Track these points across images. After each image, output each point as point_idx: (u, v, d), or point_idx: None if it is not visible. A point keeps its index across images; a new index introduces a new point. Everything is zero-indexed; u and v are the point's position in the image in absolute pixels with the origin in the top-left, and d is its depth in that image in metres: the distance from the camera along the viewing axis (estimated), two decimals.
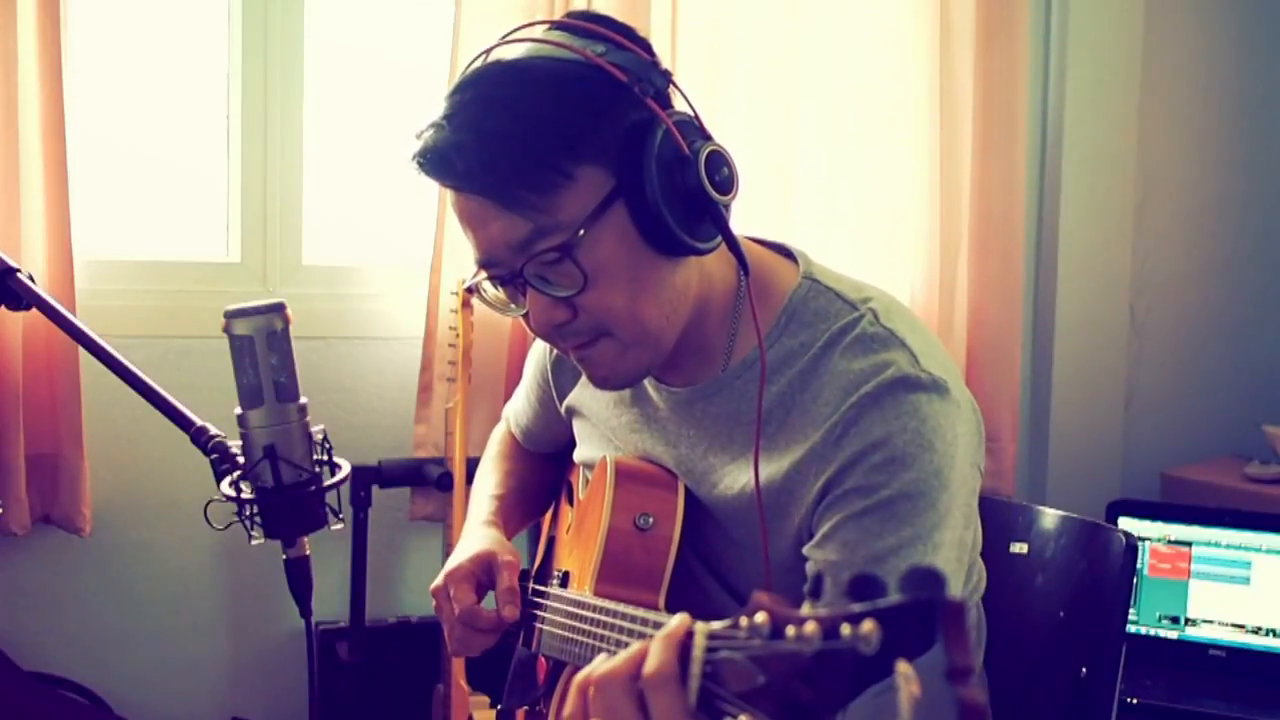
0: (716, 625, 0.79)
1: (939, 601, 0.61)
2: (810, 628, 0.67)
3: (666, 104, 1.16)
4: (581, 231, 1.11)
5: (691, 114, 1.18)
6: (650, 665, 0.81)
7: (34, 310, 1.33)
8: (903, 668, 0.60)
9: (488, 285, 1.21)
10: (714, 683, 0.77)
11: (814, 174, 2.73)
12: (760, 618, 0.73)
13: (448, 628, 1.36)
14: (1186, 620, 2.56)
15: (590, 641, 1.21)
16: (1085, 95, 2.98)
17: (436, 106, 1.15)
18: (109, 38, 2.53)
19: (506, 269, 1.16)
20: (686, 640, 0.81)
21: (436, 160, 1.13)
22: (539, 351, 1.53)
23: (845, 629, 0.64)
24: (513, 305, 1.21)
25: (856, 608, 0.65)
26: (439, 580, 1.37)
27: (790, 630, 0.69)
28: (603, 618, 1.17)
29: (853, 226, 2.76)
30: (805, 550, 1.19)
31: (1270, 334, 3.26)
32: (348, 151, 2.68)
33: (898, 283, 2.74)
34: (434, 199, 2.49)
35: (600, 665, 0.87)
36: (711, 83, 2.61)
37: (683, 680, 0.80)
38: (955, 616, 0.61)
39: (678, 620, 0.83)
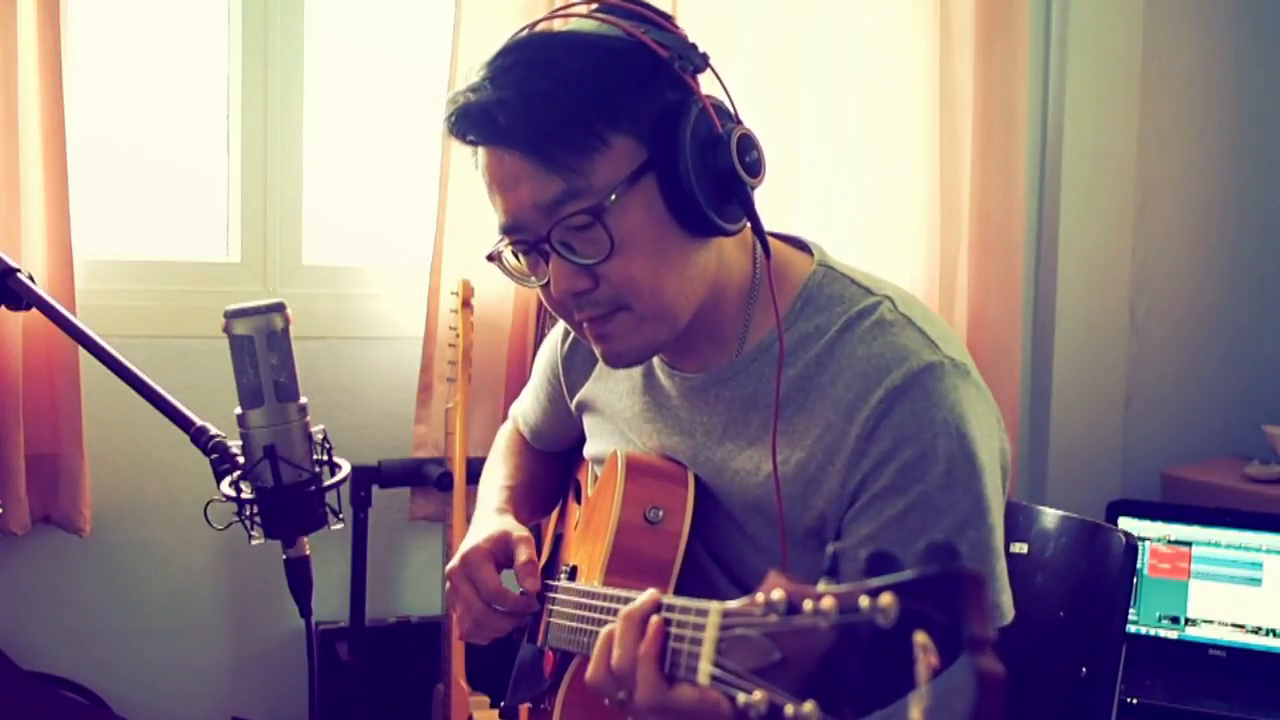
0: (732, 603, 0.79)
1: (956, 573, 0.62)
2: (828, 602, 0.68)
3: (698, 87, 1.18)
4: (613, 196, 1.12)
5: (726, 97, 1.20)
6: (615, 657, 0.91)
7: (34, 310, 1.33)
8: (920, 639, 0.61)
9: (509, 254, 1.21)
10: (727, 659, 0.77)
11: (813, 173, 2.73)
12: (777, 594, 0.73)
13: (462, 610, 1.36)
14: (1186, 620, 2.56)
15: (600, 631, 1.21)
16: (1085, 95, 2.98)
17: (475, 72, 1.16)
18: (109, 38, 2.53)
19: (532, 234, 1.16)
20: (649, 616, 0.91)
21: (477, 115, 1.14)
22: (549, 349, 1.54)
23: (864, 601, 0.64)
24: (533, 276, 1.21)
25: (874, 582, 0.65)
26: (455, 562, 1.37)
27: (808, 605, 0.69)
28: (613, 605, 1.17)
29: (852, 226, 2.76)
30: (844, 547, 1.19)
31: (1270, 334, 3.26)
32: (348, 151, 2.69)
33: (898, 283, 2.73)
34: (434, 199, 2.49)
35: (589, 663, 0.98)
36: (711, 80, 2.61)
37: (658, 658, 0.89)
38: (974, 588, 0.61)
39: (643, 598, 0.94)
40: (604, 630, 1.01)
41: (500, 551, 1.37)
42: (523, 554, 1.35)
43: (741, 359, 1.26)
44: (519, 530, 1.39)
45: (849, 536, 1.18)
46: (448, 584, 1.39)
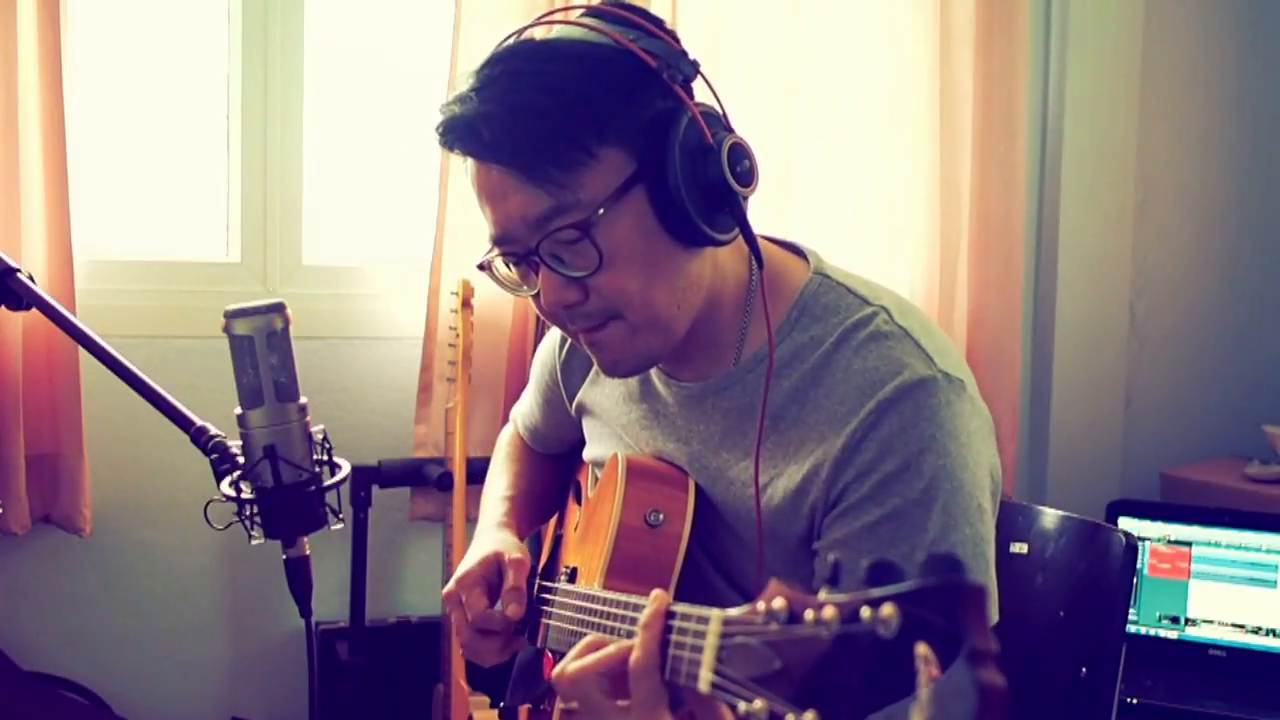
0: (733, 611, 0.79)
1: (958, 584, 0.61)
2: (829, 612, 0.68)
3: (692, 94, 1.17)
4: (601, 210, 1.11)
5: (717, 105, 1.19)
6: (635, 656, 0.89)
7: (34, 310, 1.33)
8: (922, 650, 0.61)
9: (500, 264, 1.20)
10: (728, 667, 0.77)
11: (814, 174, 2.73)
12: (778, 603, 0.73)
13: (456, 633, 1.37)
14: (1186, 620, 2.56)
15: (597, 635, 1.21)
16: (1085, 95, 2.98)
17: (464, 82, 1.15)
18: (109, 38, 2.53)
19: (521, 246, 1.15)
20: (668, 623, 0.89)
21: (463, 129, 1.13)
22: (547, 351, 1.53)
23: (865, 612, 0.64)
24: (524, 286, 1.20)
25: (876, 592, 0.65)
26: (450, 585, 1.37)
27: (809, 614, 0.69)
28: (613, 609, 1.17)
29: (853, 226, 2.76)
30: (817, 547, 1.19)
31: (1270, 334, 3.26)
32: (348, 151, 2.69)
33: (898, 283, 2.74)
34: (434, 199, 2.49)
35: (571, 662, 0.97)
36: (711, 82, 2.61)
37: (660, 664, 0.89)
38: (975, 599, 0.61)
39: (654, 606, 0.91)
40: (617, 645, 0.99)
41: (492, 574, 1.36)
42: (510, 578, 1.34)
43: (738, 369, 1.26)
44: (513, 551, 1.38)
45: (821, 540, 1.18)
46: (445, 607, 1.39)
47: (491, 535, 1.45)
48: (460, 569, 1.38)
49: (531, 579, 1.42)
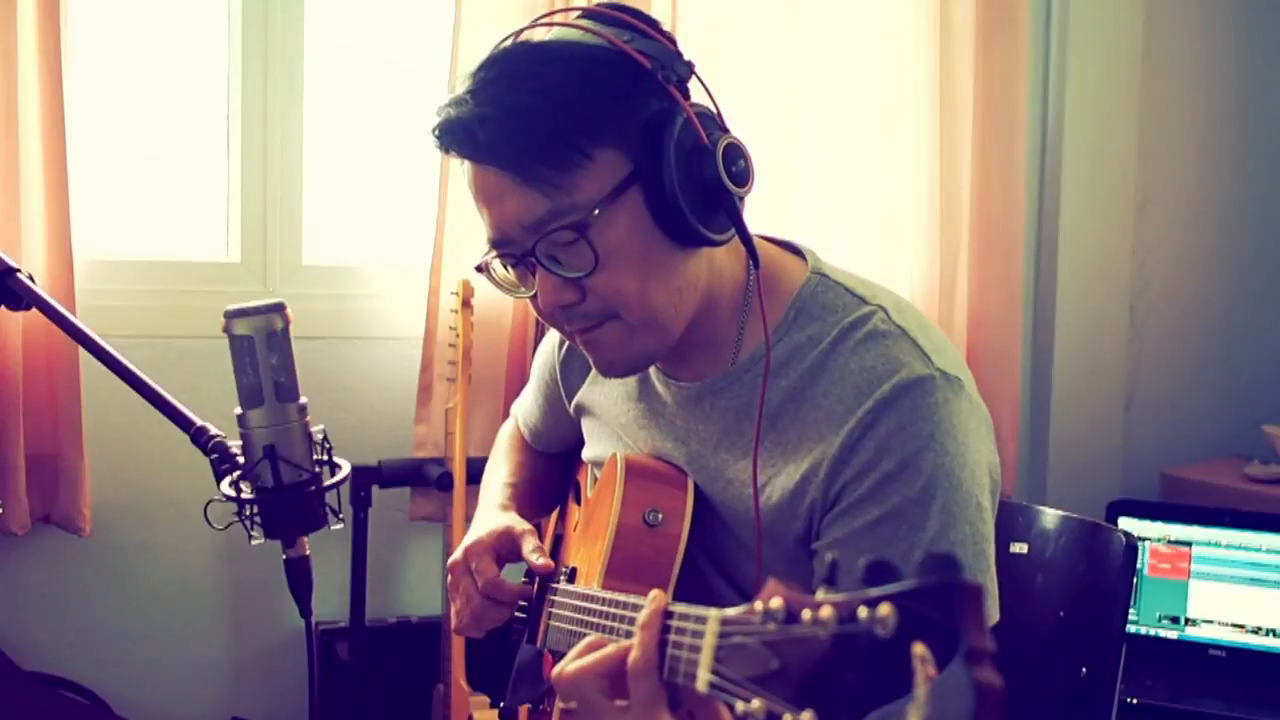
0: (731, 611, 0.80)
1: (955, 583, 0.61)
2: (826, 612, 0.68)
3: (687, 95, 1.18)
4: (597, 211, 1.12)
5: (711, 106, 1.19)
6: (634, 656, 0.90)
7: (34, 310, 1.34)
8: (918, 649, 0.61)
9: (497, 265, 1.21)
10: (725, 667, 0.78)
11: (813, 174, 2.73)
12: (775, 603, 0.73)
13: (461, 602, 1.37)
14: (1186, 620, 2.56)
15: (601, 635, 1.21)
16: (1085, 95, 2.98)
17: (460, 84, 1.16)
18: (109, 38, 2.53)
19: (518, 248, 1.16)
20: (666, 622, 0.89)
21: (458, 131, 1.13)
22: (547, 351, 1.54)
23: (862, 612, 0.64)
24: (521, 287, 1.21)
25: (873, 592, 0.65)
26: (457, 555, 1.38)
27: (806, 614, 0.70)
28: (612, 609, 1.17)
29: (852, 226, 2.76)
30: (816, 546, 1.19)
31: (1270, 334, 3.26)
32: (348, 151, 2.69)
33: (898, 283, 2.74)
34: (434, 199, 2.49)
35: (570, 663, 0.97)
36: (711, 81, 2.60)
37: (659, 664, 0.89)
38: (972, 598, 0.61)
39: (652, 606, 0.91)
40: (616, 646, 0.99)
41: (503, 546, 1.38)
42: (528, 543, 1.35)
43: (735, 369, 1.26)
44: (522, 524, 1.40)
45: (820, 540, 1.19)
46: (449, 577, 1.39)
47: (495, 514, 1.46)
48: (467, 540, 1.39)
49: (531, 576, 1.42)
